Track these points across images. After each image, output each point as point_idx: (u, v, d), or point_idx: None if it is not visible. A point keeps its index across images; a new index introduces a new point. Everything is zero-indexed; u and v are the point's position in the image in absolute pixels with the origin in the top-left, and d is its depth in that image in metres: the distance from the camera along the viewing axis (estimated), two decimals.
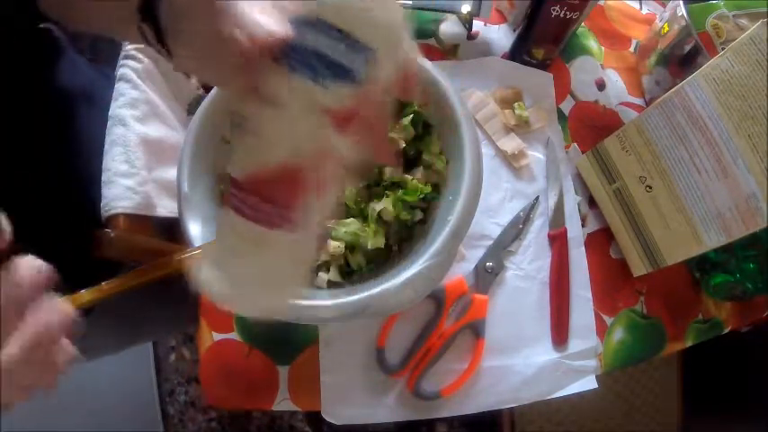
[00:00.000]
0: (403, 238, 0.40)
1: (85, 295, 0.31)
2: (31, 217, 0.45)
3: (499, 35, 0.61)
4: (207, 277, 0.22)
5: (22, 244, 0.47)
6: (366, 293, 0.33)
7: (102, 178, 0.41)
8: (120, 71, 0.45)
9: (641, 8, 0.69)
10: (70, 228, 0.47)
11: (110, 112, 0.43)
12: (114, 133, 0.42)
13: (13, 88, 0.38)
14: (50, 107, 0.45)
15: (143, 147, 0.44)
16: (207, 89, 0.41)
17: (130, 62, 0.46)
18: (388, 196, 0.38)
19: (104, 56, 0.55)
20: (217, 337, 0.47)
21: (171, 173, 0.46)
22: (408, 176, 0.39)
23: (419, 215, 0.39)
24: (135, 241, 0.41)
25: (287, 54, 0.19)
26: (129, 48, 0.46)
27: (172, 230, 0.45)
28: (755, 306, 0.56)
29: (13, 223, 0.45)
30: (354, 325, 0.47)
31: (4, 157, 0.41)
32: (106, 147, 0.42)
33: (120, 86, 0.44)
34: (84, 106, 0.48)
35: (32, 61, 0.42)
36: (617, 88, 0.61)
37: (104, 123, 0.44)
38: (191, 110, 0.52)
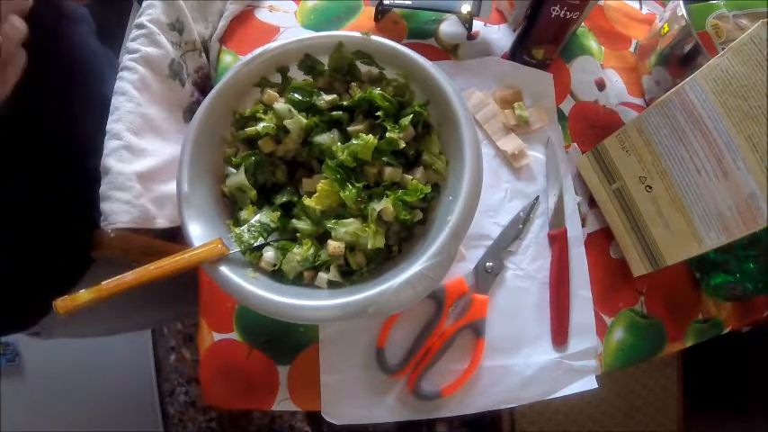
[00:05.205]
0: (403, 238, 0.40)
1: (85, 295, 0.31)
2: (30, 217, 0.46)
3: (499, 35, 0.61)
4: None
5: (23, 243, 0.47)
6: (366, 293, 0.33)
7: (100, 191, 0.41)
8: (117, 84, 0.45)
9: (641, 8, 0.69)
10: (70, 227, 0.47)
11: (107, 127, 0.43)
12: (110, 147, 0.43)
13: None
14: (53, 78, 0.45)
15: (138, 161, 0.44)
16: (203, 95, 0.42)
17: (126, 74, 0.46)
18: (388, 196, 0.38)
19: (109, 42, 0.56)
20: (217, 337, 0.47)
21: (166, 188, 0.46)
22: (408, 176, 0.39)
23: (419, 215, 0.39)
24: (135, 241, 0.41)
25: None
26: (125, 59, 0.46)
27: (172, 230, 0.45)
28: (755, 306, 0.56)
29: (14, 223, 0.46)
30: (354, 325, 0.47)
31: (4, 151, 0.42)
32: (102, 160, 0.42)
33: (115, 100, 0.44)
34: (83, 89, 0.48)
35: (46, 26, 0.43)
36: (617, 88, 0.61)
37: (101, 114, 0.44)
38: (186, 118, 0.52)
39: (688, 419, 0.98)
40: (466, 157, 0.36)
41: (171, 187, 0.41)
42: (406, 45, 0.41)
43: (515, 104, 0.55)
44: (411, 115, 0.40)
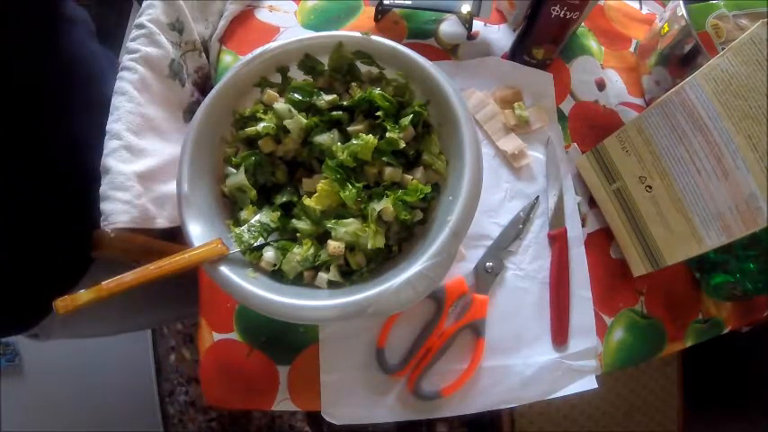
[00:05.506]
0: (403, 238, 0.40)
1: (85, 295, 0.31)
2: (30, 217, 0.46)
3: (499, 35, 0.61)
4: None
5: (23, 243, 0.47)
6: (366, 293, 0.33)
7: (100, 191, 0.41)
8: (116, 84, 0.45)
9: (641, 8, 0.69)
10: (70, 227, 0.47)
11: (107, 127, 0.43)
12: (110, 147, 0.42)
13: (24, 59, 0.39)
14: (53, 80, 0.45)
15: (138, 161, 0.44)
16: (203, 95, 0.42)
17: (126, 74, 0.46)
18: (388, 196, 0.38)
19: (109, 42, 0.56)
20: (217, 337, 0.47)
21: (166, 188, 0.46)
22: (408, 176, 0.39)
23: (419, 215, 0.39)
24: (134, 241, 0.41)
25: None
26: (125, 59, 0.46)
27: (172, 230, 0.45)
28: (755, 306, 0.56)
29: (14, 223, 0.46)
30: (354, 325, 0.47)
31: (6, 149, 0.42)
32: (103, 160, 0.42)
33: (115, 100, 0.44)
34: (82, 90, 0.48)
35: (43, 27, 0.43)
36: (617, 88, 0.61)
37: (101, 114, 0.44)
38: (186, 118, 0.52)
39: (688, 419, 0.98)
40: (466, 157, 0.36)
41: (171, 187, 0.41)
42: (406, 45, 0.41)
43: (515, 104, 0.55)
44: (411, 115, 0.40)
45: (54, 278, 0.48)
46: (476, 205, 0.36)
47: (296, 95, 0.41)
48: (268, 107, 0.41)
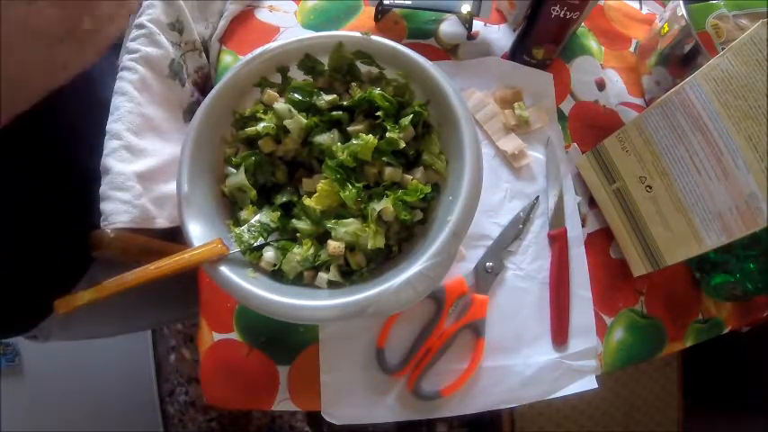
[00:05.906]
0: (403, 238, 0.40)
1: (85, 295, 0.31)
2: (31, 217, 0.46)
3: (499, 35, 0.61)
4: None
5: (23, 243, 0.47)
6: (366, 293, 0.33)
7: (100, 191, 0.41)
8: (117, 84, 0.45)
9: (641, 8, 0.69)
10: (70, 227, 0.47)
11: (107, 127, 0.43)
12: (110, 147, 0.42)
13: None
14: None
15: (138, 161, 0.44)
16: (203, 95, 0.42)
17: (126, 74, 0.46)
18: (388, 196, 0.38)
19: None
20: (217, 337, 0.47)
21: (166, 188, 0.46)
22: (408, 176, 0.39)
23: (419, 215, 0.39)
24: (135, 241, 0.41)
25: None
26: (125, 59, 0.46)
27: (172, 230, 0.45)
28: (755, 306, 0.56)
29: (14, 223, 0.46)
30: (354, 325, 0.47)
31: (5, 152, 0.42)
32: (102, 160, 0.42)
33: (115, 100, 0.44)
34: (82, 90, 0.48)
35: None
36: (617, 88, 0.61)
37: (101, 114, 0.44)
38: (186, 118, 0.52)
39: (688, 419, 0.98)
40: (466, 157, 0.36)
41: (171, 187, 0.41)
42: (406, 45, 0.41)
43: (515, 104, 0.55)
44: (411, 115, 0.40)
45: (54, 278, 0.48)
46: (476, 205, 0.36)
47: (296, 95, 0.41)
48: (268, 107, 0.41)
